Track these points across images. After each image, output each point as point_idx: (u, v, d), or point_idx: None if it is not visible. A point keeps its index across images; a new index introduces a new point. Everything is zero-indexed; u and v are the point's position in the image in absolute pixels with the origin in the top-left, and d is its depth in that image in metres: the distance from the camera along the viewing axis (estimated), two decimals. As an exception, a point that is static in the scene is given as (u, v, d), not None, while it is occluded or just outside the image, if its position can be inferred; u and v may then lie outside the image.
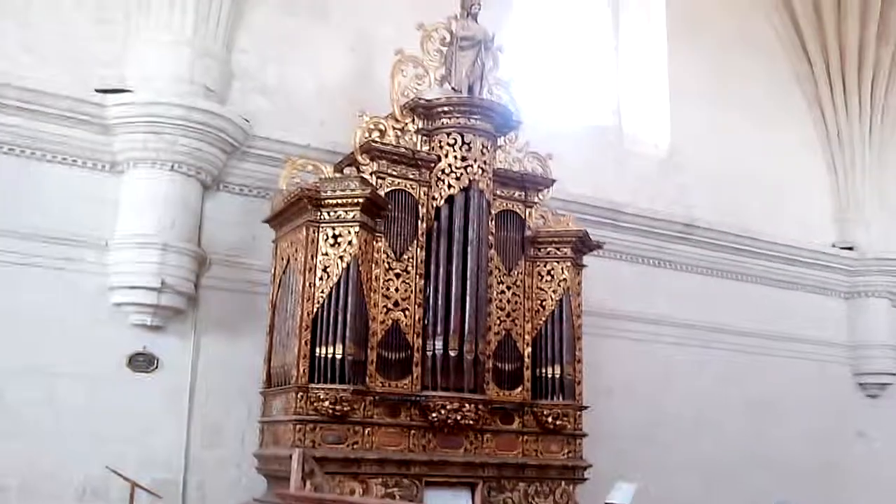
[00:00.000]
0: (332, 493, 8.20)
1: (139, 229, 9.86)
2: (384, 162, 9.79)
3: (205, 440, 10.13)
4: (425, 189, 9.94)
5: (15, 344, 9.30)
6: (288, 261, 9.71)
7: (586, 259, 11.07)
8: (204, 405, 10.20)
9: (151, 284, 9.71)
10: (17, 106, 9.48)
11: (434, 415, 9.32)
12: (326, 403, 8.81)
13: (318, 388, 8.86)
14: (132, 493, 8.83)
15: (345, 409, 8.90)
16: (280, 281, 9.92)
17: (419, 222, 9.85)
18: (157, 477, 9.52)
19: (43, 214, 9.68)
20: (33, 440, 9.21)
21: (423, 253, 9.80)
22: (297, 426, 8.82)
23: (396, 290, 9.61)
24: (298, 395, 8.87)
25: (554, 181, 11.04)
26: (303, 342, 9.04)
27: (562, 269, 10.57)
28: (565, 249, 10.64)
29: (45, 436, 9.27)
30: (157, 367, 10.05)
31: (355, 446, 9.01)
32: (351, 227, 9.23)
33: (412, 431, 9.40)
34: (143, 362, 9.99)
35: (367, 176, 9.64)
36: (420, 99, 10.09)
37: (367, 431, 9.14)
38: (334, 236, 9.23)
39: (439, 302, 9.59)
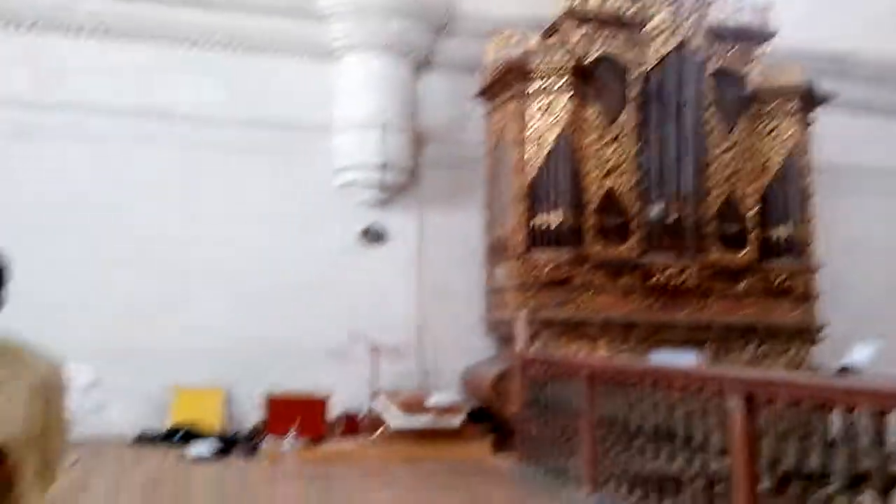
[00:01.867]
0: (559, 352, 8.60)
1: (359, 112, 10.42)
2: (591, 27, 9.63)
3: (434, 305, 10.82)
4: (635, 52, 9.71)
5: (269, 227, 10.29)
6: (500, 134, 9.93)
7: (814, 114, 10.44)
8: (431, 274, 10.86)
9: (374, 163, 10.32)
10: (238, 4, 10.17)
11: (655, 279, 9.41)
12: (546, 269, 9.12)
13: (537, 255, 9.18)
14: (374, 353, 9.67)
15: (565, 274, 9.18)
16: (493, 154, 10.19)
17: (630, 86, 9.69)
18: (394, 339, 10.34)
19: (270, 105, 10.45)
20: (287, 309, 10.27)
21: (636, 117, 9.68)
22: (520, 291, 9.22)
23: (610, 156, 9.60)
24: (519, 263, 9.23)
25: (774, 33, 10.37)
26: (520, 212, 9.33)
27: (787, 125, 10.08)
28: (790, 105, 10.11)
29: (299, 304, 10.31)
30: (385, 240, 10.75)
31: (578, 310, 9.31)
32: (561, 95, 9.26)
33: (633, 295, 9.55)
34: (372, 236, 10.72)
35: (574, 43, 9.54)
36: (626, -44, 9.75)
37: (588, 295, 9.39)
38: (545, 106, 9.31)
39: (655, 166, 9.50)
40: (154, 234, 10.03)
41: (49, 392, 2.16)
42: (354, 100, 10.51)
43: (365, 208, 10.73)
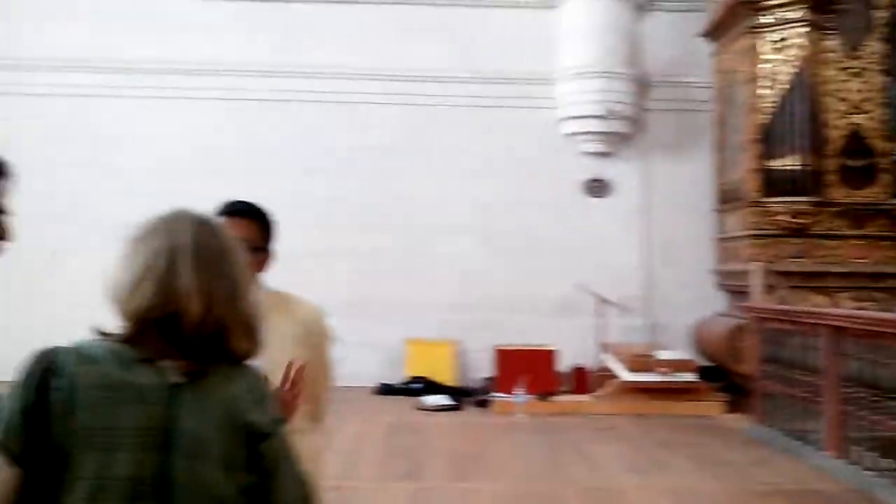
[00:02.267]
0: (797, 305, 8.10)
1: (581, 60, 10.23)
2: (830, -52, 8.80)
3: (662, 258, 10.54)
4: (884, -30, 8.77)
5: (493, 181, 10.46)
6: (729, 73, 9.38)
7: None
8: (657, 225, 10.56)
9: (597, 112, 10.13)
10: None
11: (907, 224, 8.58)
12: (783, 217, 8.58)
13: (773, 202, 8.65)
14: (601, 307, 9.60)
15: (804, 221, 8.59)
16: (723, 95, 9.66)
17: (876, 10, 8.76)
18: (620, 292, 10.20)
19: (492, 58, 10.51)
20: (513, 263, 10.42)
21: (884, 46, 8.75)
22: (754, 241, 8.75)
23: (853, 91, 8.79)
24: (753, 210, 8.75)
25: None
26: (753, 156, 8.81)
27: None
28: None
29: (523, 259, 10.43)
30: (610, 191, 10.57)
31: (818, 260, 8.70)
32: (797, 27, 8.59)
33: (882, 243, 8.76)
34: (597, 187, 10.57)
35: (812, -33, 8.77)
36: None
37: (829, 244, 8.74)
38: (779, 40, 8.67)
39: (908, 99, 8.59)
40: (386, 193, 10.49)
41: (314, 337, 2.40)
42: (576, 47, 10.35)
43: (589, 159, 10.59)
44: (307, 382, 2.36)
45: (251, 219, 2.37)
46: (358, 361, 10.41)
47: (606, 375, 9.11)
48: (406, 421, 8.32)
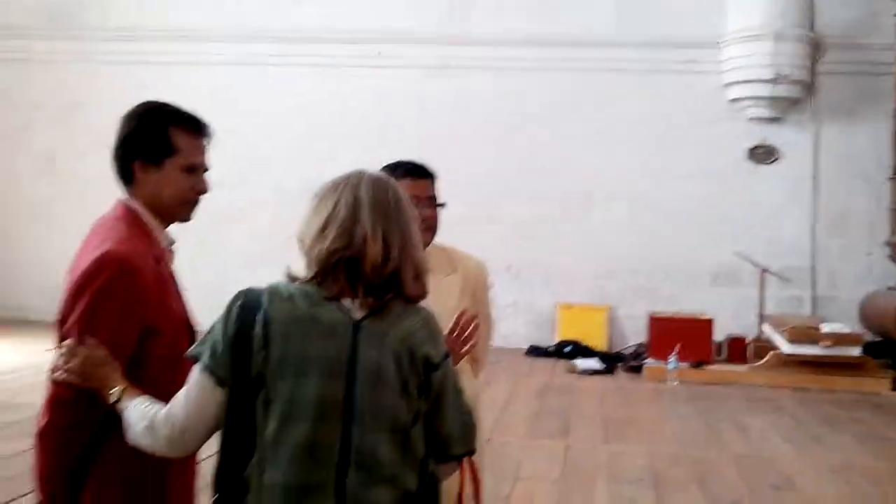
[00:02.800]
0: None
1: (749, 22, 9.85)
2: None
3: (830, 228, 10.08)
4: None
5: (654, 148, 10.30)
6: (916, 34, 8.79)
7: None
8: (827, 194, 10.09)
9: (765, 76, 9.75)
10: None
11: None
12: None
13: (957, 171, 8.08)
14: (761, 277, 9.33)
15: None
16: (907, 58, 9.06)
17: None
18: (784, 263, 9.86)
19: (658, 23, 10.27)
20: (672, 232, 10.24)
21: None
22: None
23: None
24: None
25: None
26: (937, 122, 8.25)
27: None
28: None
29: (682, 227, 10.23)
30: (777, 157, 10.18)
31: None
32: None
33: None
34: (762, 154, 10.20)
35: None
36: None
37: None
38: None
39: None
40: (547, 159, 10.52)
41: (478, 291, 2.57)
42: (745, 9, 9.95)
43: (755, 124, 10.21)
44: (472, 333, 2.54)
45: (429, 178, 2.53)
46: (511, 324, 10.64)
47: (765, 347, 8.87)
48: (557, 383, 8.45)
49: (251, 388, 1.57)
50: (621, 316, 10.43)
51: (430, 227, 2.47)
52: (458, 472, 1.87)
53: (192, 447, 1.63)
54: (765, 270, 9.34)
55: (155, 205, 1.99)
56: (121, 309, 1.82)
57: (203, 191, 2.04)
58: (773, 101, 9.90)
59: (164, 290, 1.94)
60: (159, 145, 1.96)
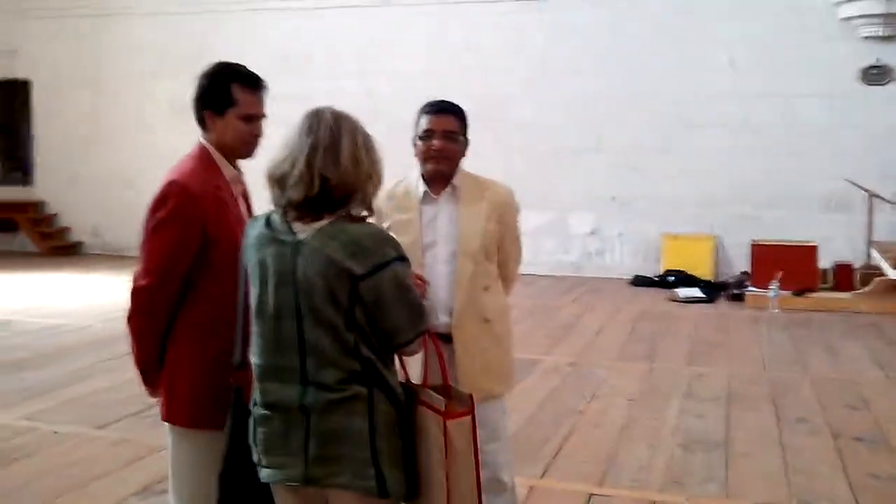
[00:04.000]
0: None
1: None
2: None
3: (948, 151, 9.66)
4: None
5: (754, 70, 10.09)
6: None
7: None
8: (944, 115, 9.65)
9: (881, -7, 9.33)
10: None
11: None
12: None
13: None
14: (870, 202, 9.09)
15: None
16: None
17: None
18: (895, 188, 9.55)
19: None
20: (778, 158, 10.07)
21: None
22: None
23: None
24: None
25: None
26: None
27: None
28: None
29: (788, 152, 10.04)
30: (891, 78, 9.77)
31: None
32: None
33: None
34: (876, 74, 9.81)
35: None
36: None
37: None
38: None
39: None
40: (649, 87, 10.49)
41: (505, 214, 2.87)
42: (858, -78, 9.51)
43: (868, 43, 9.81)
44: (491, 250, 2.85)
45: (450, 114, 2.81)
46: (616, 254, 10.82)
47: (872, 273, 8.71)
48: (656, 310, 8.61)
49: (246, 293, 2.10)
50: (728, 245, 10.40)
51: (438, 157, 2.76)
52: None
53: None
54: (874, 195, 9.08)
55: (221, 146, 2.44)
56: (182, 224, 2.30)
57: (258, 135, 2.46)
58: (886, 18, 9.47)
59: (222, 210, 2.38)
60: (222, 99, 2.39)
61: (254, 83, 2.43)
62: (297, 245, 1.95)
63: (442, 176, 2.83)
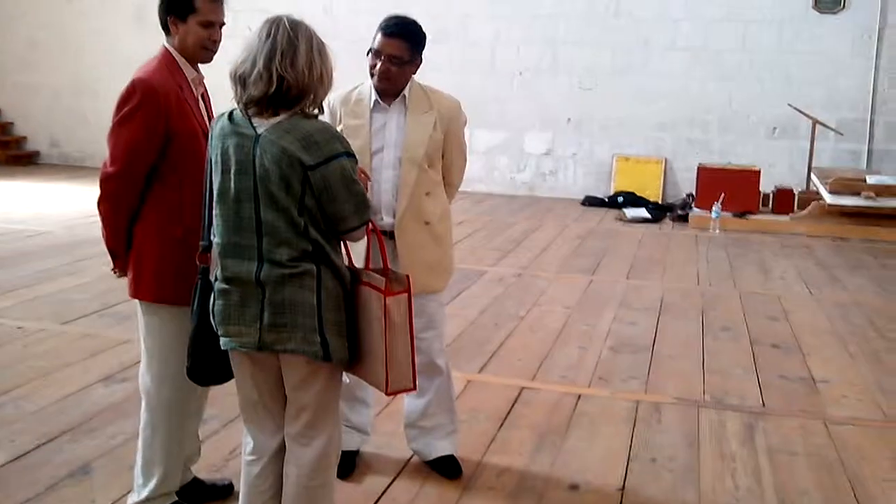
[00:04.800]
0: None
1: None
2: None
3: (892, 81, 9.97)
4: None
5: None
6: None
7: None
8: (891, 46, 9.92)
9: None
10: None
11: None
12: None
13: None
14: (813, 129, 9.42)
15: None
16: None
17: None
18: (841, 116, 9.90)
19: None
20: (730, 83, 10.34)
21: None
22: None
23: None
24: None
25: None
26: None
27: None
28: None
29: (741, 78, 10.31)
30: (843, 6, 9.99)
31: None
32: None
33: None
34: (829, 2, 10.02)
35: None
36: None
37: None
38: None
39: None
40: (605, 9, 10.63)
41: (450, 122, 3.09)
42: None
43: (823, -30, 10.02)
44: (435, 158, 3.09)
45: (400, 38, 2.97)
46: (570, 174, 11.10)
47: (811, 198, 9.10)
48: (602, 229, 8.94)
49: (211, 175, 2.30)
50: (677, 168, 10.72)
51: (381, 78, 2.95)
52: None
53: None
54: (817, 122, 9.41)
55: (182, 49, 2.66)
56: (146, 117, 2.52)
57: (217, 41, 2.67)
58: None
59: (184, 106, 2.61)
60: (185, 5, 2.60)
61: None
62: (257, 138, 2.17)
63: (392, 91, 3.03)
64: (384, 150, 3.04)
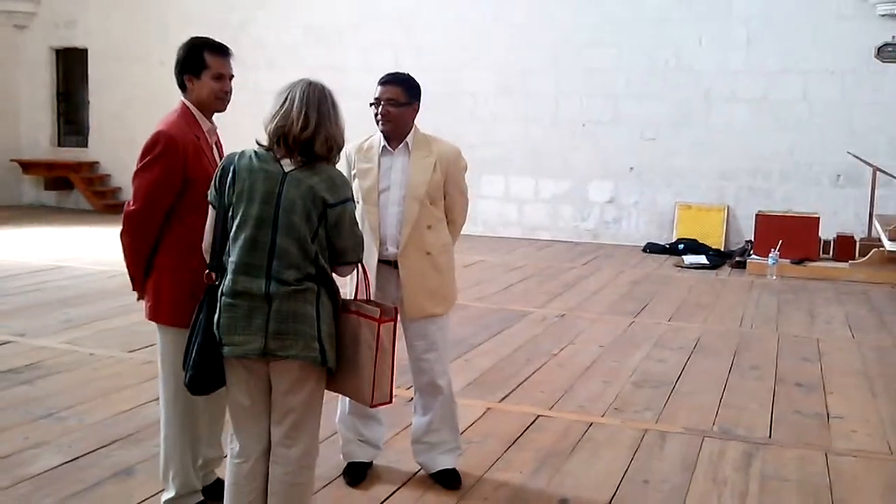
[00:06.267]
0: None
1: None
2: None
3: (958, 128, 9.88)
4: None
5: (772, 46, 10.42)
6: None
7: None
8: (956, 93, 9.86)
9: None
10: None
11: None
12: None
13: None
14: (874, 176, 9.36)
15: None
16: None
17: None
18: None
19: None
20: (792, 133, 10.41)
21: None
22: None
23: None
24: None
25: None
26: None
27: None
28: None
29: (802, 127, 10.37)
30: (905, 56, 10.00)
31: None
32: None
33: None
34: (891, 52, 10.04)
35: None
36: None
37: None
38: None
39: None
40: (665, 61, 10.89)
41: (449, 166, 3.44)
42: None
43: (885, 21, 10.05)
44: (435, 196, 3.43)
45: (395, 84, 3.37)
46: (632, 222, 11.28)
47: (872, 245, 9.04)
48: (658, 274, 9.08)
49: (227, 211, 2.63)
50: (739, 216, 10.78)
51: (383, 120, 3.33)
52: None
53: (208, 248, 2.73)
54: (879, 170, 9.38)
55: (198, 102, 3.07)
56: (166, 164, 2.93)
57: (228, 91, 3.08)
58: (902, -3, 9.71)
59: (199, 155, 3.01)
60: (197, 63, 3.01)
61: (221, 49, 3.06)
62: (284, 175, 2.56)
63: (396, 134, 3.41)
64: (390, 188, 3.40)
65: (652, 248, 10.71)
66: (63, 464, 3.67)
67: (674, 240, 10.76)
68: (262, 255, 2.56)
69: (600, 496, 3.46)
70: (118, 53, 13.61)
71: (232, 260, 2.61)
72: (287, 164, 2.58)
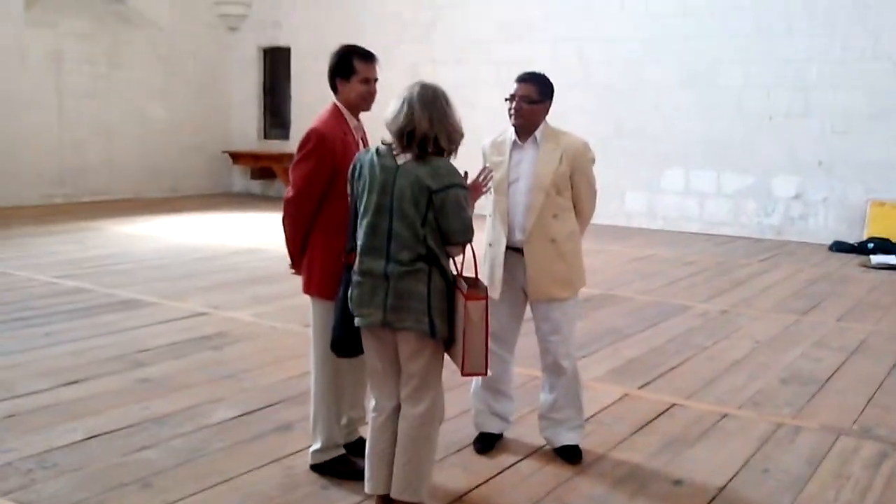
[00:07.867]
0: None
1: None
2: None
3: None
4: None
5: None
6: None
7: None
8: None
9: None
10: None
11: None
12: None
13: None
14: None
15: None
16: None
17: None
18: None
19: None
20: None
21: None
22: None
23: None
24: None
25: None
26: None
27: None
28: None
29: None
30: None
31: None
32: None
33: None
34: None
35: None
36: None
37: None
38: None
39: None
40: (857, 47, 10.34)
41: (575, 159, 3.66)
42: None
43: None
44: (562, 186, 3.64)
45: (529, 83, 3.62)
46: (819, 220, 10.84)
47: None
48: (839, 274, 8.70)
49: (356, 200, 3.03)
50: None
51: (515, 115, 3.60)
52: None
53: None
54: None
55: (346, 102, 3.48)
56: (318, 157, 3.35)
57: (373, 93, 3.45)
58: None
59: (347, 149, 3.40)
60: (347, 68, 3.40)
61: (368, 56, 3.43)
62: (397, 167, 2.92)
63: (526, 129, 3.66)
64: (519, 180, 3.66)
65: (839, 247, 10.22)
66: (236, 417, 4.23)
67: (864, 238, 10.21)
68: (381, 239, 2.92)
69: (716, 480, 3.55)
70: (317, 51, 14.60)
71: (359, 243, 2.99)
72: (402, 159, 2.92)
